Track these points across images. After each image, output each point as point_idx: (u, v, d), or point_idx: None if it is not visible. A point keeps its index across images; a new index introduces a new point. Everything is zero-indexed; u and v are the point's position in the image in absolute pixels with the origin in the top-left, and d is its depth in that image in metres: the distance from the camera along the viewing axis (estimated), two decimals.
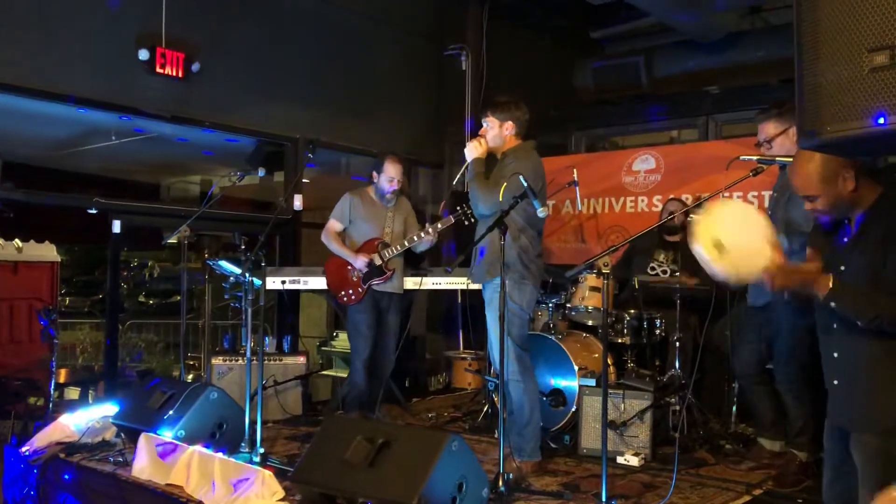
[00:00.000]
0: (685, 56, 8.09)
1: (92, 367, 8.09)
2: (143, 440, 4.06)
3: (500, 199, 3.92)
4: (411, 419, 5.57)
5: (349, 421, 4.39)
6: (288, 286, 5.89)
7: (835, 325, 2.43)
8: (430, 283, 6.05)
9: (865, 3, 1.84)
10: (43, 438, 4.54)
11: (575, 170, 5.91)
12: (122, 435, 4.50)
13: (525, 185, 3.74)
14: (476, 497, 3.25)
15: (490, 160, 4.28)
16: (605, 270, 3.31)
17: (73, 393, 6.18)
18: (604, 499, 3.33)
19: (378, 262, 5.13)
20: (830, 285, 2.32)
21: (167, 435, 4.08)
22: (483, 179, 4.11)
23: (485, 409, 5.33)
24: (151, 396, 4.40)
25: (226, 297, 7.45)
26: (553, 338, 5.01)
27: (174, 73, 5.73)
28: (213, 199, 5.72)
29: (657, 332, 5.17)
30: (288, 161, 6.83)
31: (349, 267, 5.18)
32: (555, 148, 7.57)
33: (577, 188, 5.85)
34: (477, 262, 4.23)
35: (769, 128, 3.93)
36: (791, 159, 3.49)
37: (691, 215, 3.64)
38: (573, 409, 4.77)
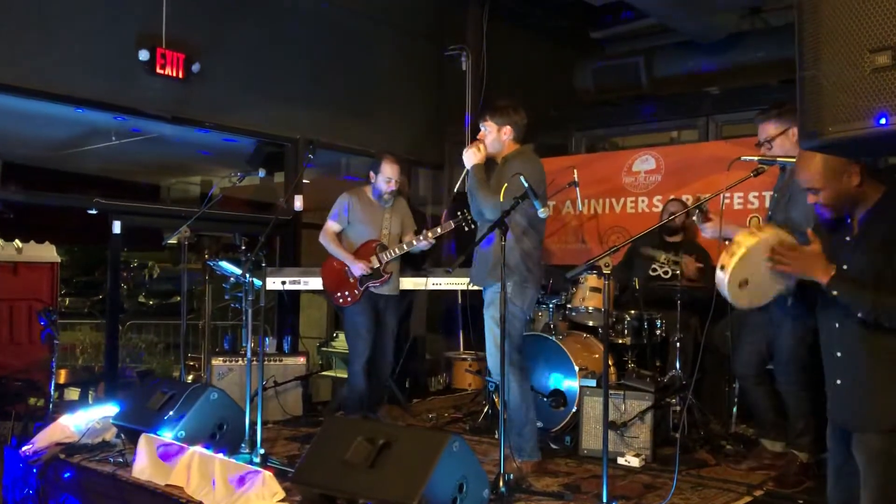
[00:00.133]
0: (685, 57, 8.09)
1: (92, 367, 8.09)
2: (144, 441, 4.06)
3: (501, 200, 3.91)
4: (412, 420, 5.56)
5: (350, 421, 4.39)
6: (288, 287, 5.89)
7: (837, 325, 2.42)
8: (431, 283, 6.04)
9: (867, 4, 1.84)
10: (43, 439, 4.54)
11: (575, 170, 5.91)
12: (123, 435, 4.50)
13: (526, 185, 3.74)
14: (477, 498, 3.25)
15: (488, 165, 4.27)
16: (606, 271, 3.31)
17: (73, 394, 6.18)
18: (605, 499, 3.33)
19: (376, 265, 5.12)
20: (833, 273, 2.32)
21: (167, 436, 4.07)
22: (486, 184, 4.09)
23: (485, 409, 5.33)
24: (152, 397, 4.40)
25: (226, 297, 7.46)
26: (554, 338, 5.01)
27: (174, 74, 5.73)
28: (213, 200, 5.72)
29: (658, 332, 5.16)
30: (288, 162, 6.83)
31: (346, 268, 5.16)
32: (555, 148, 7.57)
33: (578, 189, 5.85)
34: (477, 264, 4.23)
35: (769, 128, 3.93)
36: (792, 160, 3.52)
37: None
38: (574, 410, 4.77)
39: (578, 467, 4.32)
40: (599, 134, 8.02)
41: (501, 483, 3.58)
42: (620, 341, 5.10)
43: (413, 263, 5.85)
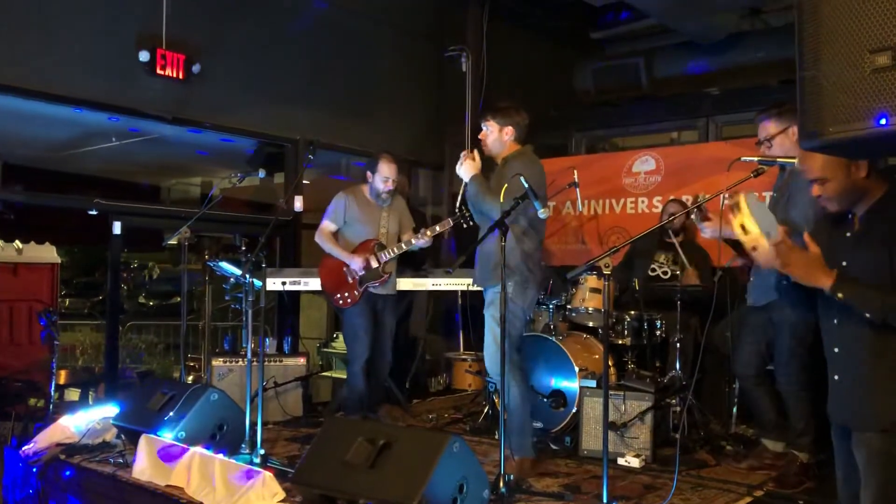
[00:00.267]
0: (685, 57, 8.09)
1: (92, 368, 8.09)
2: (144, 441, 4.05)
3: (502, 201, 3.91)
4: (412, 420, 5.55)
5: (350, 422, 4.39)
6: (288, 287, 5.89)
7: (836, 321, 2.41)
8: (431, 284, 6.04)
9: (867, 5, 1.84)
10: (43, 440, 4.54)
11: (575, 171, 5.91)
12: (123, 436, 4.50)
13: (526, 185, 3.75)
14: (477, 498, 3.25)
15: (488, 165, 4.28)
16: (606, 272, 3.31)
17: (73, 394, 6.18)
18: (605, 500, 3.33)
19: (375, 264, 5.09)
20: (835, 276, 2.28)
21: (167, 436, 4.07)
22: (489, 191, 4.06)
23: (485, 410, 5.33)
24: (152, 398, 4.40)
25: (226, 298, 7.47)
26: (554, 339, 5.00)
27: (174, 75, 5.74)
28: (213, 201, 5.73)
29: (658, 333, 5.16)
30: (288, 162, 6.83)
31: (345, 269, 5.13)
32: (555, 149, 7.58)
33: (578, 189, 5.85)
34: (479, 265, 4.23)
35: (769, 126, 3.94)
36: (792, 160, 3.52)
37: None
38: (574, 411, 4.76)
39: (578, 468, 4.32)
40: (599, 134, 8.03)
41: (501, 483, 3.58)
42: (620, 342, 5.10)
43: (413, 264, 5.84)
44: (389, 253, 5.10)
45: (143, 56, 5.58)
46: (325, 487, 3.33)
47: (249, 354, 4.34)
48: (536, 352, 4.98)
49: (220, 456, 3.82)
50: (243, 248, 5.41)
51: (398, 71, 7.59)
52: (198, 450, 3.87)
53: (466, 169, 4.14)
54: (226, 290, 7.12)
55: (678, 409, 4.67)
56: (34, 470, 4.38)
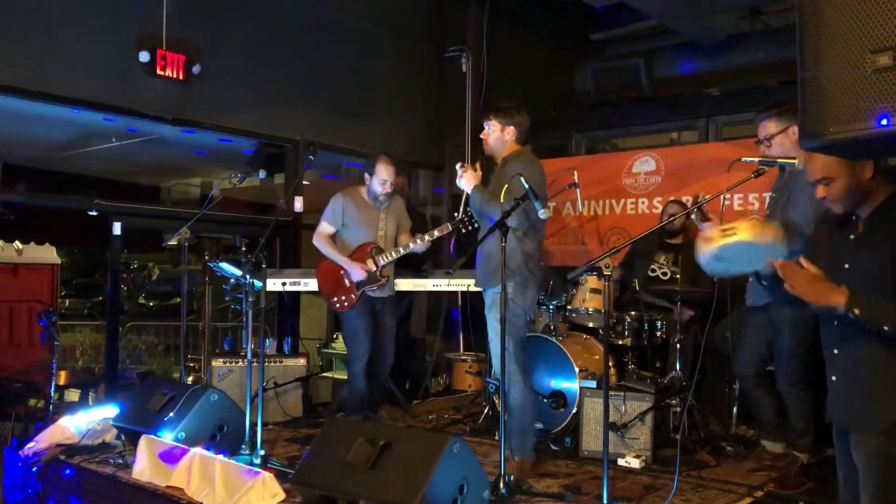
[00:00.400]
0: (685, 58, 8.09)
1: (92, 369, 8.09)
2: (144, 442, 4.05)
3: (502, 202, 3.91)
4: (412, 421, 5.55)
5: (350, 423, 4.38)
6: (288, 288, 5.89)
7: (835, 322, 2.41)
8: (431, 285, 6.03)
9: (868, 5, 1.84)
10: (43, 440, 4.54)
11: (575, 172, 5.91)
12: (123, 437, 4.50)
13: (526, 186, 3.75)
14: (477, 499, 3.25)
15: (488, 168, 4.28)
16: (606, 272, 3.31)
17: (73, 395, 6.18)
18: (605, 501, 3.33)
19: (372, 268, 5.07)
20: (848, 293, 2.23)
21: (167, 437, 4.07)
22: (492, 197, 4.06)
23: (485, 411, 5.32)
24: (152, 398, 4.39)
25: (226, 298, 7.46)
26: (554, 339, 5.00)
27: (175, 75, 5.74)
28: (213, 202, 5.72)
29: (658, 333, 5.16)
30: (288, 163, 6.83)
31: (342, 272, 5.11)
32: (555, 150, 7.57)
33: (578, 190, 5.85)
34: (480, 266, 4.24)
35: (769, 126, 3.94)
36: (792, 160, 3.52)
37: (713, 221, 3.66)
38: (574, 411, 4.76)
39: (579, 468, 4.32)
40: (599, 135, 8.02)
41: (502, 484, 3.59)
42: (620, 342, 5.10)
43: (413, 265, 5.84)
44: (387, 257, 5.08)
45: (144, 56, 5.58)
46: (326, 488, 3.32)
47: (249, 355, 4.33)
48: (537, 352, 4.98)
49: (221, 457, 3.82)
50: (243, 249, 5.39)
51: (398, 71, 7.59)
52: (198, 450, 3.87)
53: (467, 180, 4.15)
54: (226, 291, 7.11)
55: (678, 409, 4.67)
56: (34, 470, 4.38)
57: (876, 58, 1.83)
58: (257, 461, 4.00)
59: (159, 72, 5.65)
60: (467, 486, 3.19)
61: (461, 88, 7.67)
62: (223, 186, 7.45)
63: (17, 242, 6.43)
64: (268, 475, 3.60)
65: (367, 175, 5.17)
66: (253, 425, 4.16)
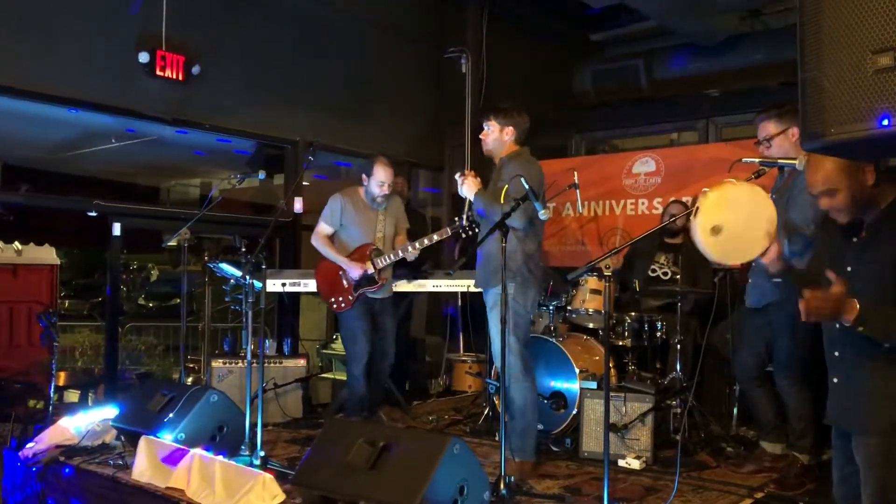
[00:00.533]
0: (685, 59, 8.10)
1: (92, 369, 8.07)
2: (143, 443, 4.05)
3: (502, 202, 3.91)
4: (412, 422, 5.55)
5: (350, 424, 4.38)
6: (288, 289, 5.89)
7: (837, 325, 2.41)
8: (431, 285, 6.03)
9: (869, 5, 1.84)
10: (43, 441, 4.54)
11: (575, 172, 5.90)
12: (122, 438, 4.49)
13: (527, 186, 3.75)
14: (477, 500, 3.24)
15: (488, 170, 4.28)
16: (606, 273, 3.30)
17: (72, 396, 6.17)
18: (605, 502, 3.32)
19: (371, 270, 5.06)
20: (857, 309, 2.22)
21: (167, 438, 4.07)
22: (496, 200, 4.05)
23: (485, 411, 5.32)
24: (151, 399, 4.39)
25: (226, 299, 7.45)
26: (554, 340, 5.00)
27: (174, 76, 5.74)
28: (213, 202, 5.72)
29: (658, 334, 5.16)
30: (288, 164, 6.83)
31: (340, 272, 5.11)
32: (555, 150, 7.58)
33: (578, 191, 5.84)
34: (480, 267, 4.24)
35: (769, 126, 3.94)
36: (792, 161, 3.52)
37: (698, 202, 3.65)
38: (574, 412, 4.76)
39: (579, 469, 4.32)
40: (599, 136, 8.03)
41: (502, 485, 3.59)
42: (621, 343, 5.09)
43: (413, 265, 5.83)
44: (385, 260, 5.07)
45: (143, 57, 5.57)
46: (326, 489, 3.32)
47: (249, 356, 4.33)
48: (537, 353, 4.96)
49: (220, 458, 3.82)
50: (243, 250, 5.39)
51: (398, 72, 7.59)
52: (198, 451, 3.87)
53: (468, 188, 4.15)
54: (225, 292, 7.10)
55: (679, 410, 4.67)
56: (34, 471, 4.38)
57: (877, 58, 1.82)
58: (257, 462, 4.00)
59: (159, 72, 5.65)
60: (467, 487, 3.18)
61: (461, 89, 7.68)
62: (223, 187, 7.46)
63: (16, 243, 6.43)
64: (268, 476, 3.60)
65: (364, 176, 5.17)
66: (253, 426, 4.16)
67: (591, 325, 5.35)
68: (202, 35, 5.99)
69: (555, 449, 4.71)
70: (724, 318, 4.50)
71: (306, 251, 6.73)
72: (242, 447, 4.16)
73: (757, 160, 3.67)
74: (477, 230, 4.54)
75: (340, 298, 5.11)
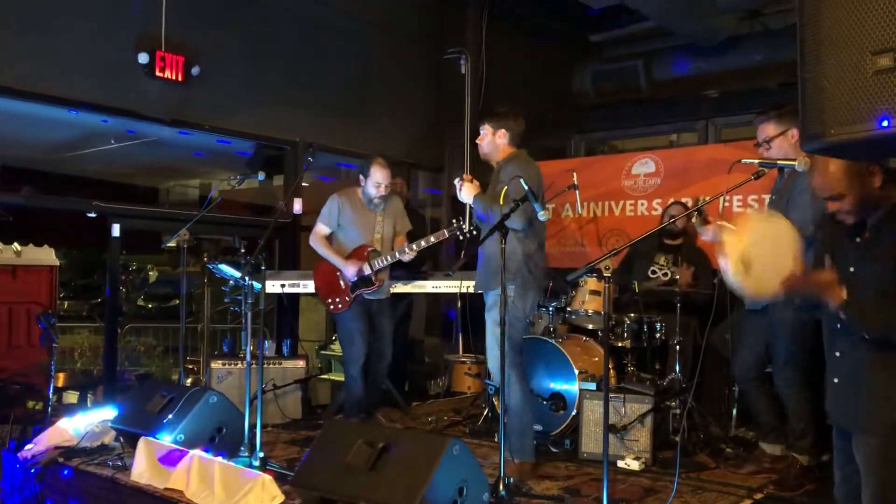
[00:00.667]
0: (684, 60, 8.10)
1: (91, 371, 8.07)
2: (143, 444, 4.05)
3: (501, 204, 3.91)
4: (411, 423, 5.55)
5: (349, 425, 4.38)
6: (287, 290, 5.88)
7: (839, 326, 2.41)
8: (431, 286, 6.03)
9: (869, 6, 1.84)
10: (42, 442, 4.53)
11: (574, 173, 5.90)
12: (121, 439, 4.49)
13: (526, 187, 3.75)
14: (477, 501, 3.24)
15: (487, 175, 4.28)
16: (606, 274, 3.30)
17: (71, 397, 6.17)
18: (605, 503, 3.32)
19: (368, 271, 5.05)
20: (844, 296, 2.27)
21: (166, 439, 4.06)
22: (495, 202, 4.04)
23: (485, 412, 5.32)
24: (150, 400, 4.39)
25: (225, 300, 7.45)
26: (553, 341, 5.00)
27: (174, 77, 5.73)
28: (212, 203, 5.72)
29: (657, 335, 5.16)
30: (287, 165, 6.83)
31: (338, 273, 5.10)
32: (554, 151, 7.59)
33: (577, 192, 5.84)
34: (480, 269, 4.24)
35: (769, 128, 3.94)
36: (792, 162, 3.52)
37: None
38: (573, 413, 4.76)
39: (578, 470, 4.32)
40: (598, 137, 8.04)
41: (501, 486, 3.58)
42: (620, 344, 5.09)
43: (412, 266, 5.83)
44: (383, 261, 5.06)
45: (142, 58, 5.57)
46: (325, 490, 3.32)
47: (248, 357, 4.33)
48: (536, 354, 4.98)
49: (220, 459, 3.81)
50: (242, 251, 5.39)
51: (397, 73, 7.59)
52: (197, 452, 3.86)
53: (466, 192, 4.16)
54: (225, 293, 7.10)
55: (678, 411, 4.67)
56: (32, 473, 4.37)
57: (876, 59, 1.82)
58: (256, 463, 4.00)
59: (158, 73, 5.64)
60: (467, 488, 3.18)
61: (460, 90, 7.68)
62: (222, 188, 7.44)
63: (15, 244, 6.41)
64: (267, 477, 3.60)
65: (361, 177, 5.17)
66: (252, 427, 4.15)
67: (590, 327, 5.35)
68: (202, 36, 5.99)
69: (554, 450, 4.71)
70: (723, 319, 4.50)
71: (305, 252, 6.72)
72: (242, 448, 4.16)
73: (756, 161, 3.67)
74: (475, 232, 4.53)
75: (338, 299, 5.11)
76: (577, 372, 4.82)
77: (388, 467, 3.18)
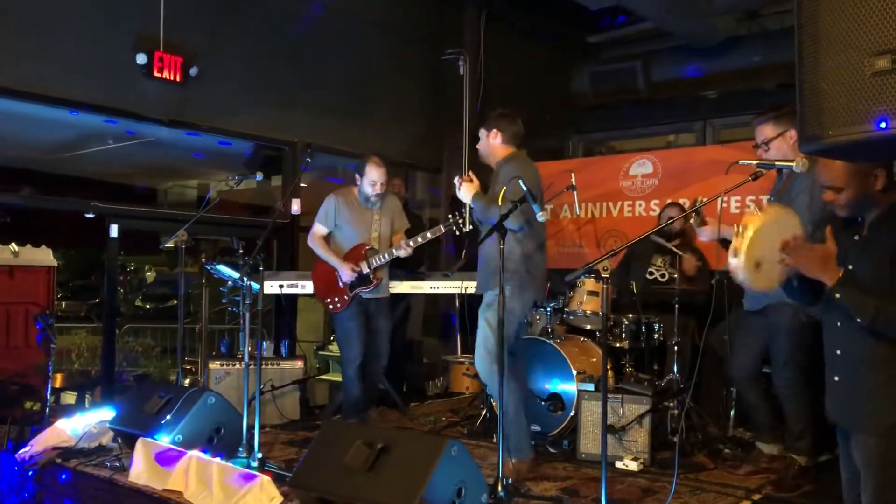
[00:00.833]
0: (682, 61, 8.11)
1: (89, 371, 8.05)
2: (141, 445, 4.04)
3: (500, 204, 3.92)
4: (409, 424, 5.54)
5: (348, 425, 4.38)
6: (285, 290, 5.88)
7: (839, 324, 2.41)
8: (429, 287, 6.02)
9: (867, 7, 1.84)
10: (39, 443, 4.52)
11: (573, 174, 5.91)
12: (119, 440, 4.48)
13: (525, 188, 3.75)
14: (475, 502, 3.24)
15: (487, 178, 4.29)
16: (604, 275, 3.30)
17: (69, 398, 6.16)
18: (603, 503, 3.32)
19: (365, 270, 5.05)
20: (840, 275, 2.28)
21: (164, 440, 4.06)
22: (493, 204, 4.05)
23: (483, 413, 5.32)
24: (148, 401, 4.38)
25: (223, 301, 7.45)
26: (551, 342, 5.00)
27: (172, 78, 5.73)
28: (210, 204, 5.71)
29: (655, 336, 5.16)
30: (286, 165, 6.83)
31: (336, 272, 5.11)
32: (552, 152, 7.59)
33: (575, 192, 5.85)
34: (480, 269, 4.24)
35: (767, 129, 3.94)
36: (790, 163, 3.52)
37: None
38: (572, 414, 4.76)
39: (576, 471, 4.32)
40: (597, 138, 8.05)
41: (500, 487, 3.58)
42: (618, 345, 5.09)
43: (410, 266, 5.83)
44: (380, 259, 5.06)
45: (141, 59, 5.57)
46: (323, 491, 3.31)
47: (247, 357, 4.33)
48: (534, 355, 4.98)
49: (218, 460, 3.81)
50: (240, 251, 5.39)
51: (396, 74, 7.59)
52: (195, 453, 3.86)
53: (465, 191, 4.17)
54: (223, 293, 7.11)
55: (676, 412, 4.67)
56: (30, 474, 4.36)
57: (875, 61, 1.82)
58: (255, 464, 3.99)
59: (156, 74, 5.64)
60: (465, 489, 3.18)
61: (459, 91, 7.66)
62: (220, 188, 7.43)
63: (13, 244, 6.40)
64: (265, 478, 3.59)
65: (357, 176, 5.17)
66: (250, 428, 4.15)
67: (588, 327, 5.35)
68: (200, 36, 5.99)
69: (552, 451, 4.71)
70: (721, 320, 4.50)
71: (304, 253, 6.72)
72: (240, 449, 4.15)
73: (754, 162, 3.67)
74: (471, 228, 4.55)
75: (336, 299, 5.11)
76: (575, 372, 4.83)
77: (387, 468, 3.18)
